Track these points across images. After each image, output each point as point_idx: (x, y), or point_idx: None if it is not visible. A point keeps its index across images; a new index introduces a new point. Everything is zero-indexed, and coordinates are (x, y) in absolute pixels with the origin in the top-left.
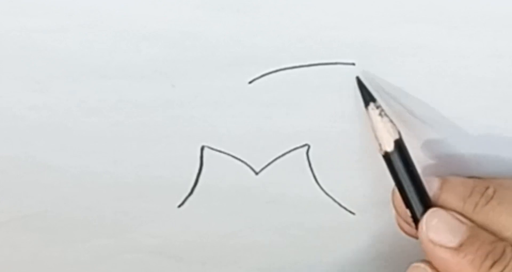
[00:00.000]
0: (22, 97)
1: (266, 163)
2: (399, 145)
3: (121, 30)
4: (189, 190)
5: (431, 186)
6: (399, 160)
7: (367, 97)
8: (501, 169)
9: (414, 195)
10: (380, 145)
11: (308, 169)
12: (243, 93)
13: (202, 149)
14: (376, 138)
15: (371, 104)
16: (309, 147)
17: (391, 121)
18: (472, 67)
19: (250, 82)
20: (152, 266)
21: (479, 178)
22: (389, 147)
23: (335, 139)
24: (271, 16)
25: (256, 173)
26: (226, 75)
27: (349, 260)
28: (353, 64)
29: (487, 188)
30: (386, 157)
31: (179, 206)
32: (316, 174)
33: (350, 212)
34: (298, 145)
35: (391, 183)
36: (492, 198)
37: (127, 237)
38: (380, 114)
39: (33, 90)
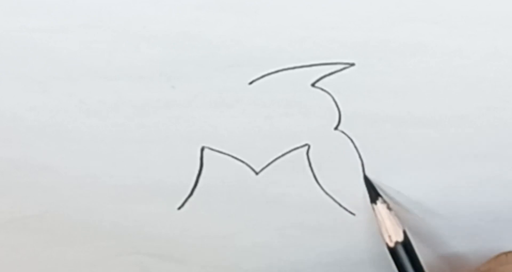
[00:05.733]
0: (22, 98)
1: (266, 163)
2: (405, 236)
3: (121, 30)
4: (189, 191)
5: None
6: (404, 252)
7: (373, 194)
8: (502, 169)
9: None
10: (389, 236)
11: (308, 168)
12: (243, 94)
13: (202, 149)
14: (385, 231)
15: (380, 199)
16: (309, 147)
17: (396, 215)
18: (472, 67)
19: (250, 83)
20: (151, 268)
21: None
22: (399, 237)
23: (335, 139)
24: (271, 16)
25: (256, 173)
26: (226, 76)
27: (349, 260)
28: (353, 64)
29: None
30: (393, 249)
31: (179, 207)
32: (316, 174)
33: (350, 212)
34: (298, 145)
35: None
36: None
37: (127, 239)
38: (388, 207)
39: (33, 91)
